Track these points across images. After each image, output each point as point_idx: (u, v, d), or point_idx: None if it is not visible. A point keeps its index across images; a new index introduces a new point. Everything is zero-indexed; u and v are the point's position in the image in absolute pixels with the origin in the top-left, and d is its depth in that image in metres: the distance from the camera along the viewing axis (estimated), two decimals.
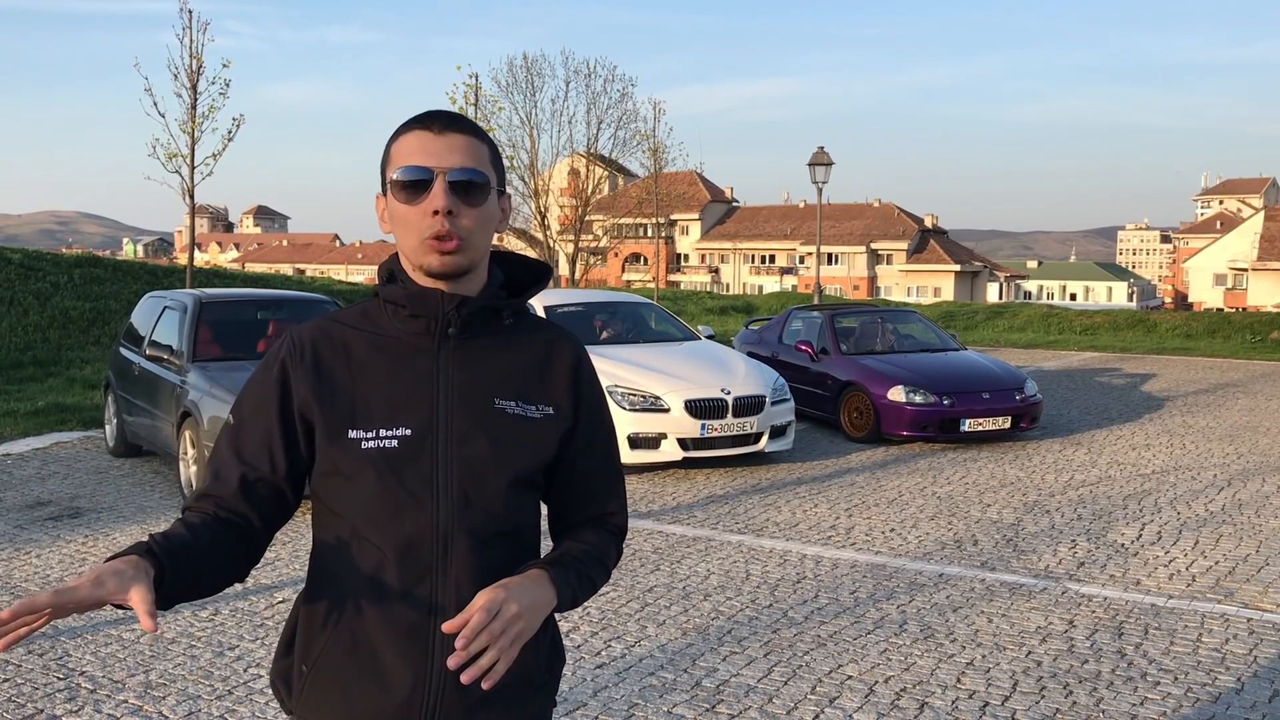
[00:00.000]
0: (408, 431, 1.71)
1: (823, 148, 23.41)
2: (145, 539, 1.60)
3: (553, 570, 1.73)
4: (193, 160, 15.12)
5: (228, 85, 15.27)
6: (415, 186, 1.69)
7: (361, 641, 1.71)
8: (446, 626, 1.52)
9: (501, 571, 1.74)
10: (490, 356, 1.79)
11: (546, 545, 1.95)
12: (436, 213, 1.68)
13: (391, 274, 1.79)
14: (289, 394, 1.73)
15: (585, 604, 5.58)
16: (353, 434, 1.71)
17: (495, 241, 1.87)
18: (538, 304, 10.54)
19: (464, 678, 1.52)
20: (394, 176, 1.71)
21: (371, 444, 1.70)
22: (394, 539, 1.70)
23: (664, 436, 8.95)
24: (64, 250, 34.56)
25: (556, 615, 1.89)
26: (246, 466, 1.72)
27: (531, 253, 30.89)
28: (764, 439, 9.31)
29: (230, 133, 15.35)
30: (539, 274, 1.89)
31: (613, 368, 9.27)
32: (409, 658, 1.70)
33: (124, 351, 9.61)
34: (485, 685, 1.54)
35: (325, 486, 1.75)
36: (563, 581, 1.73)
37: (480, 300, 1.76)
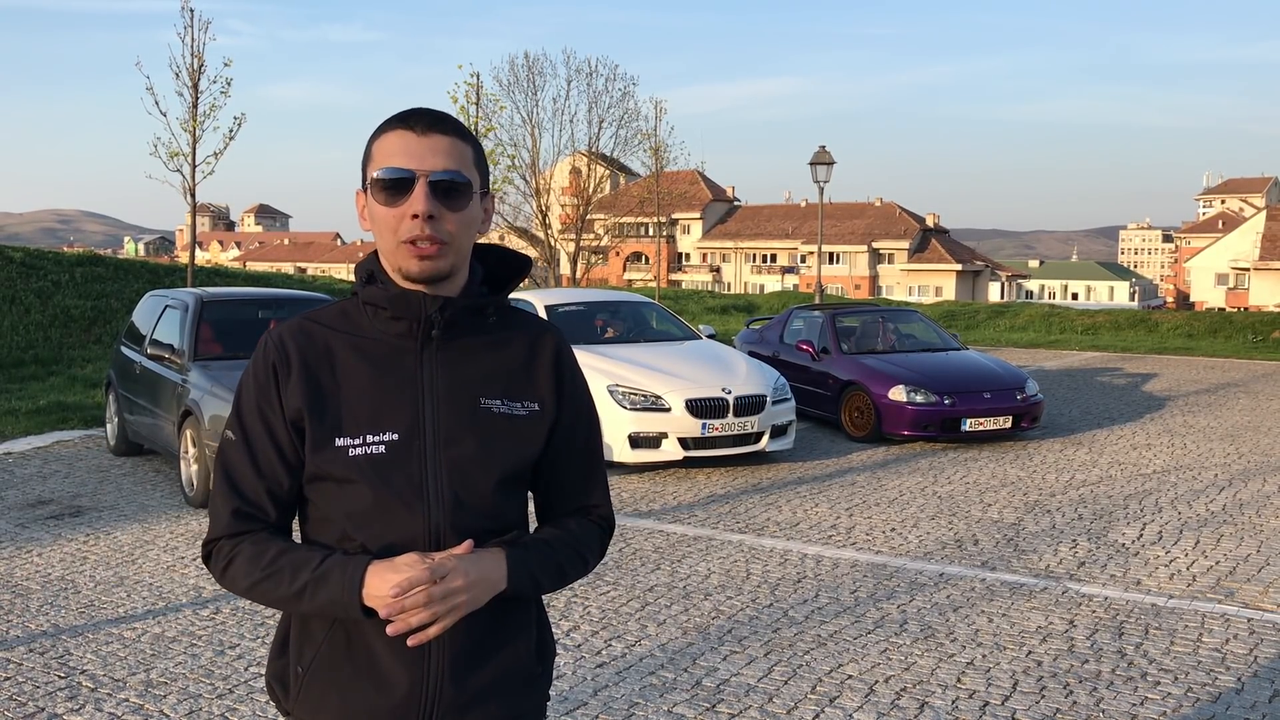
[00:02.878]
0: (394, 436, 1.71)
1: (824, 147, 23.42)
2: (324, 554, 1.69)
3: (510, 551, 1.73)
4: (194, 159, 15.13)
5: (229, 84, 15.29)
6: (396, 188, 1.67)
7: (357, 642, 1.72)
8: (393, 584, 1.60)
9: None
10: (474, 356, 1.78)
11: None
12: (416, 216, 1.67)
13: (371, 275, 1.77)
14: (283, 404, 1.72)
15: (586, 603, 5.58)
16: (340, 441, 1.70)
17: (496, 239, 1.87)
18: (539, 304, 10.55)
19: (390, 630, 1.61)
20: (374, 176, 1.69)
21: (359, 450, 1.70)
22: (385, 543, 1.69)
23: (665, 436, 8.95)
24: (65, 249, 34.56)
25: (548, 608, 1.90)
26: (267, 480, 1.73)
27: (533, 252, 30.89)
28: (765, 438, 9.31)
29: (232, 131, 15.35)
30: (518, 267, 1.87)
31: (614, 367, 9.27)
32: (405, 658, 1.70)
33: (125, 350, 9.62)
34: (411, 643, 1.63)
35: (314, 491, 1.75)
36: (518, 562, 1.73)
37: (463, 301, 1.74)
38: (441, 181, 1.67)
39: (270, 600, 1.70)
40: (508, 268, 1.87)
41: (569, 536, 1.86)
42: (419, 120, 1.70)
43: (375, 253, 1.78)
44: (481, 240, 1.84)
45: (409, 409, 1.72)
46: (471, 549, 1.67)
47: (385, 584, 1.59)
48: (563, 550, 1.83)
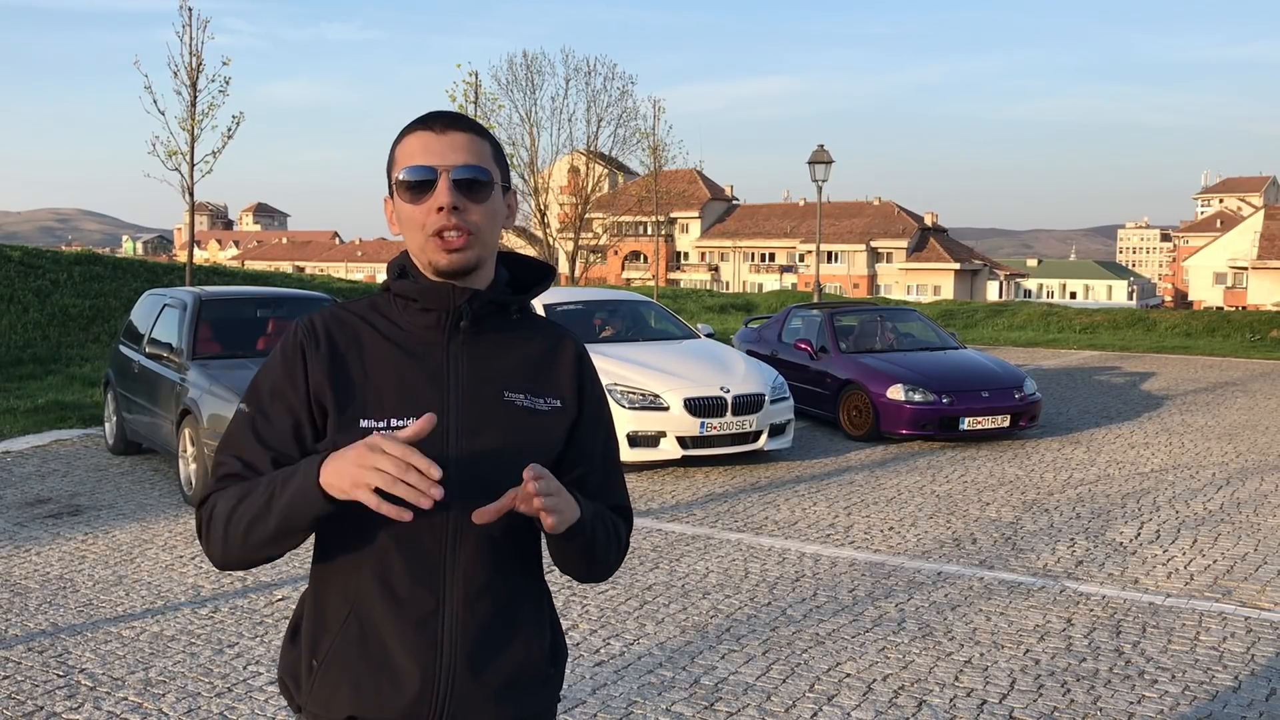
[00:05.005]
0: None
1: (823, 146, 23.42)
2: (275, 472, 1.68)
3: (574, 490, 1.76)
4: (192, 158, 15.12)
5: (227, 83, 15.29)
6: (420, 186, 1.72)
7: (370, 636, 1.73)
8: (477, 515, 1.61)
9: (508, 566, 1.76)
10: (499, 350, 1.82)
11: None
12: (441, 209, 1.71)
13: (403, 269, 1.82)
14: (308, 379, 1.75)
15: (584, 602, 5.58)
16: (365, 423, 1.72)
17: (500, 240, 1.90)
18: (537, 303, 10.55)
19: (476, 516, 1.61)
20: (399, 177, 1.74)
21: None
22: (402, 531, 1.71)
23: (663, 435, 8.95)
24: (64, 248, 34.52)
25: (558, 610, 1.89)
26: (274, 451, 1.73)
27: (531, 251, 30.89)
28: (763, 437, 9.32)
29: (230, 130, 15.36)
30: (543, 273, 1.92)
31: (612, 366, 9.27)
32: (418, 653, 1.71)
33: (124, 349, 9.62)
34: (477, 518, 1.62)
35: None
36: (584, 501, 1.76)
37: (490, 295, 1.79)
38: (464, 177, 1.72)
39: (247, 523, 1.67)
40: (532, 274, 1.92)
41: (609, 514, 1.88)
42: (438, 120, 1.76)
43: (407, 251, 1.82)
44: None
45: (434, 397, 1.75)
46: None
47: (346, 459, 1.56)
48: (608, 521, 1.86)
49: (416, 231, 1.74)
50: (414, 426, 1.56)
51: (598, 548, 1.80)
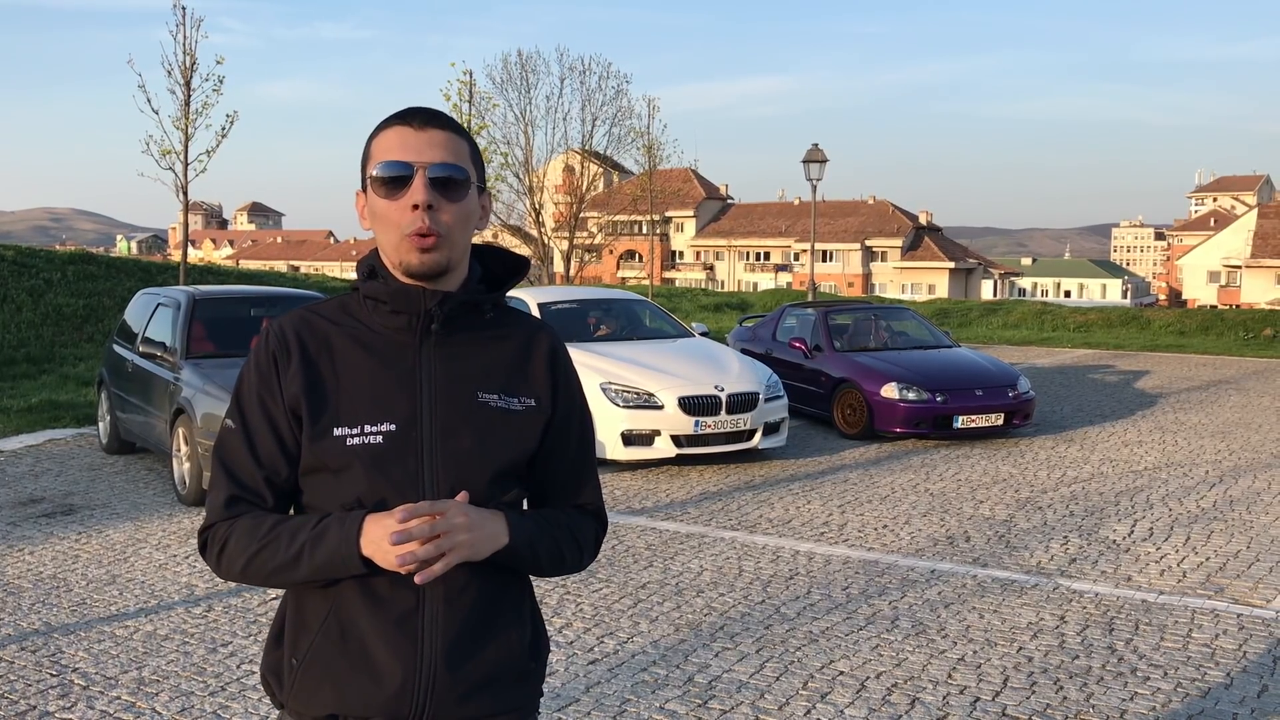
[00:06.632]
0: (392, 427, 1.73)
1: (817, 145, 23.43)
2: (320, 516, 1.72)
3: (508, 513, 1.77)
4: (186, 157, 15.12)
5: (221, 82, 15.29)
6: (395, 182, 1.71)
7: (350, 634, 1.73)
8: (400, 510, 1.62)
9: (488, 563, 1.76)
10: (472, 351, 1.81)
11: None
12: (416, 207, 1.70)
13: (372, 270, 1.80)
14: (282, 391, 1.75)
15: (578, 600, 5.59)
16: (338, 431, 1.73)
17: (490, 237, 1.91)
18: (532, 302, 10.55)
19: (398, 558, 1.61)
20: (374, 172, 1.72)
21: (356, 440, 1.72)
22: None
23: (657, 433, 8.95)
24: (58, 247, 34.41)
25: (542, 607, 1.91)
26: (266, 470, 1.75)
27: (526, 250, 30.89)
28: (757, 436, 9.32)
29: (224, 129, 15.36)
30: (516, 267, 1.90)
31: (607, 365, 9.28)
32: (398, 649, 1.72)
33: (117, 348, 9.60)
34: (419, 580, 1.62)
35: (310, 482, 1.77)
36: (518, 522, 1.77)
37: (461, 295, 1.78)
38: (440, 175, 1.71)
39: (268, 572, 1.71)
40: (505, 267, 1.90)
41: (567, 520, 1.89)
42: (415, 116, 1.74)
43: (377, 249, 1.81)
44: (476, 238, 1.86)
45: (407, 401, 1.75)
46: (468, 499, 1.70)
47: (383, 529, 1.62)
48: (560, 530, 1.86)
49: (390, 229, 1.73)
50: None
51: (542, 563, 1.82)
